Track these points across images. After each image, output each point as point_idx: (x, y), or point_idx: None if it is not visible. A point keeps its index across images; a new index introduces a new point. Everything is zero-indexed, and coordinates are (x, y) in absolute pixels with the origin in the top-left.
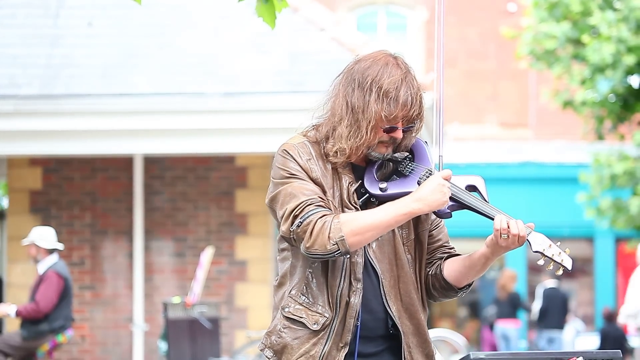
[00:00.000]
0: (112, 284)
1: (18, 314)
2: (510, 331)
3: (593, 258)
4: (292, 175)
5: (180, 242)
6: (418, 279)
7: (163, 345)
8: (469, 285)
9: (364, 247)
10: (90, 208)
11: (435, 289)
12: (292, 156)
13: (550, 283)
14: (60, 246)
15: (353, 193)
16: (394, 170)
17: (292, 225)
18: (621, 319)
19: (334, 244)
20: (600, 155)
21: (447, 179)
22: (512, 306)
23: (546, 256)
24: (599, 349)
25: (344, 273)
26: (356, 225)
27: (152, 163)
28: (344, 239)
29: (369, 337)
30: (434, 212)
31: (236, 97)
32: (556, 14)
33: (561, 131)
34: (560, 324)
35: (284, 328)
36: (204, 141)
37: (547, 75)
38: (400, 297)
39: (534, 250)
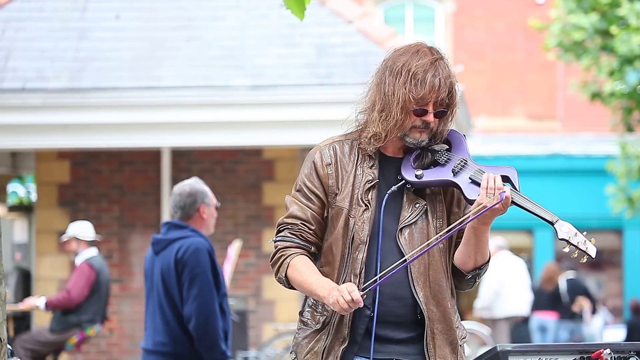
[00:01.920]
0: (140, 277)
1: (48, 304)
2: (549, 322)
3: (622, 250)
4: (299, 190)
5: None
6: (449, 267)
7: None
8: (479, 268)
9: (396, 233)
10: (118, 201)
11: (453, 277)
12: (313, 162)
13: (569, 274)
14: (99, 237)
15: (367, 190)
16: (432, 160)
17: (274, 235)
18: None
19: (278, 278)
20: (629, 146)
21: (352, 298)
22: (554, 298)
23: (571, 244)
24: (626, 341)
25: (346, 270)
26: (292, 275)
27: (180, 156)
28: (283, 280)
29: (399, 322)
30: (467, 201)
31: (263, 89)
32: (584, 5)
33: (589, 123)
34: (582, 316)
35: (298, 330)
36: (231, 134)
37: (575, 67)
38: (430, 284)
39: (560, 237)
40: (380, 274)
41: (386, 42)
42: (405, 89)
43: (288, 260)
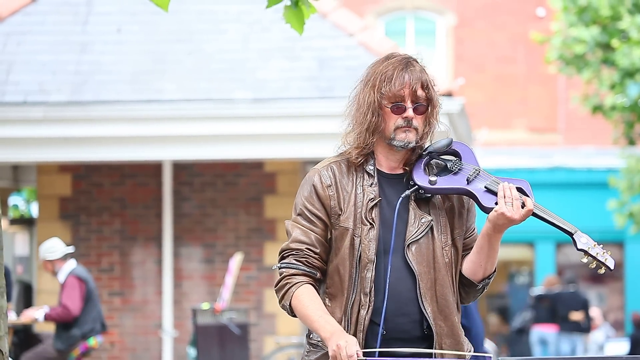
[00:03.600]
0: (141, 290)
1: (47, 317)
2: (549, 335)
3: (623, 263)
4: (300, 215)
5: (209, 248)
6: (454, 282)
7: (192, 352)
8: (488, 278)
9: (404, 249)
10: (119, 214)
11: (461, 288)
12: (313, 185)
13: (570, 287)
14: (71, 249)
15: (371, 209)
16: (442, 167)
17: (277, 262)
18: None
19: (282, 305)
20: (631, 161)
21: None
22: (552, 310)
23: (590, 255)
24: (629, 355)
25: (355, 289)
26: (297, 306)
27: (181, 169)
28: (287, 309)
29: (405, 339)
30: (483, 209)
31: (265, 103)
32: (585, 18)
33: (590, 136)
34: (583, 328)
35: (307, 352)
36: (233, 147)
37: (577, 80)
38: (437, 299)
39: (579, 248)
40: (390, 350)
41: None
42: (375, 89)
43: (293, 289)
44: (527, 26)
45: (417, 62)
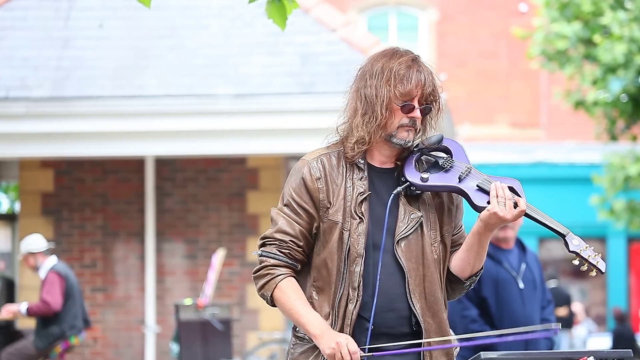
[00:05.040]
0: (123, 286)
1: (29, 310)
2: None
3: (605, 258)
4: (287, 205)
5: (192, 244)
6: (443, 279)
7: (175, 347)
8: (475, 275)
9: (393, 245)
10: (101, 210)
11: (447, 284)
12: (302, 177)
13: (551, 283)
14: (52, 244)
15: (360, 203)
16: (434, 164)
17: (257, 248)
18: None
19: (261, 295)
20: (614, 157)
21: (351, 355)
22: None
23: (582, 257)
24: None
25: (343, 284)
26: (281, 298)
27: (163, 165)
28: (267, 298)
29: (393, 334)
30: (474, 207)
31: (247, 98)
32: (567, 14)
33: (573, 131)
34: (566, 324)
35: (293, 345)
36: (215, 143)
37: (559, 76)
38: (425, 296)
39: (571, 250)
40: (389, 345)
41: (370, 51)
42: (390, 86)
43: (277, 280)
44: (509, 22)
45: (422, 60)
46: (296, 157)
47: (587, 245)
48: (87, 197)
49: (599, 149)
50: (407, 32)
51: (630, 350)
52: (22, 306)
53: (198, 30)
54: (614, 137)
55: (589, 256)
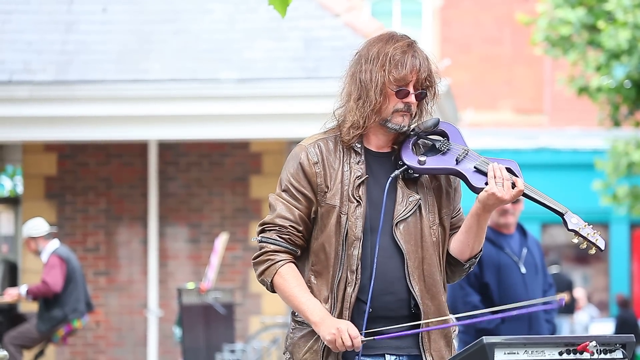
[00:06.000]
0: (126, 269)
1: (29, 292)
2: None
3: (608, 244)
4: (285, 190)
5: (195, 228)
6: (442, 261)
7: (177, 331)
8: (474, 257)
9: (391, 228)
10: (105, 194)
11: (447, 267)
12: (300, 162)
13: (553, 269)
14: (54, 228)
15: (358, 187)
16: (431, 147)
17: (257, 235)
18: None
19: (261, 280)
20: (618, 143)
21: (352, 344)
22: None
23: (581, 235)
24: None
25: (342, 267)
26: (281, 285)
27: (167, 149)
28: (267, 284)
29: (392, 317)
30: (472, 189)
31: (251, 83)
32: (571, 0)
33: (576, 117)
34: (567, 309)
35: (293, 329)
36: (219, 127)
37: (563, 62)
38: (424, 278)
39: (570, 228)
40: (389, 328)
41: (373, 36)
42: (384, 71)
43: (277, 266)
44: (513, 7)
45: (419, 45)
46: (299, 142)
47: (586, 224)
48: (91, 181)
49: (602, 135)
50: (411, 17)
51: (633, 335)
52: (22, 288)
53: (202, 15)
54: (617, 123)
55: (588, 234)
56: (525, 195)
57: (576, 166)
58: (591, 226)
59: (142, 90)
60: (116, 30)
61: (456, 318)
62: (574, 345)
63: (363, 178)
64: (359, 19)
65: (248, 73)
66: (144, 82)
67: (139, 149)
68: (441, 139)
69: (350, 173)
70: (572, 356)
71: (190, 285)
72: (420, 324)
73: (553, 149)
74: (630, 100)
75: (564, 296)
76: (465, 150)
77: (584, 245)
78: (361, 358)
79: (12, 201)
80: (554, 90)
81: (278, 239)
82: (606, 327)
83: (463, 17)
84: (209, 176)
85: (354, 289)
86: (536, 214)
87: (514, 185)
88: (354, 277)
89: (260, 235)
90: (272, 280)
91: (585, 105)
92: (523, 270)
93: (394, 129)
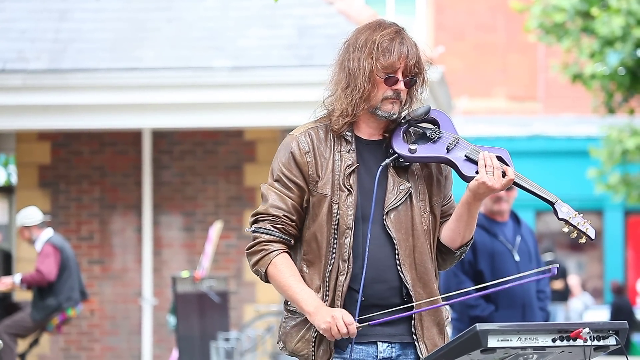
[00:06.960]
0: (121, 258)
1: (23, 281)
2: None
3: (602, 231)
4: (277, 180)
5: (189, 216)
6: (433, 249)
7: (172, 320)
8: (465, 245)
9: (382, 217)
10: (99, 182)
11: (438, 255)
12: (291, 152)
13: (547, 256)
14: (48, 217)
15: (349, 175)
16: (421, 135)
17: (250, 225)
18: None
19: (255, 271)
20: (612, 131)
21: (348, 330)
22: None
23: (571, 224)
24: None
25: (333, 256)
26: (275, 275)
27: (161, 137)
28: (261, 274)
29: (384, 305)
30: (463, 177)
31: (244, 71)
32: None
33: (570, 104)
34: (562, 297)
35: (285, 319)
36: (213, 115)
37: (556, 49)
38: (415, 266)
39: (560, 217)
40: (382, 312)
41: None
42: (372, 59)
43: (271, 256)
44: None
45: (407, 32)
46: (291, 131)
47: (577, 213)
48: (84, 170)
49: (596, 122)
50: (404, 4)
51: (626, 321)
52: (16, 277)
53: (195, 3)
54: (611, 110)
55: (578, 223)
56: (515, 184)
57: (570, 153)
58: (581, 215)
59: (136, 79)
60: (110, 19)
61: (447, 297)
62: (567, 332)
63: (354, 167)
64: (353, 6)
65: (242, 61)
66: (138, 70)
67: (133, 137)
68: (432, 127)
69: (341, 162)
70: (565, 343)
71: (185, 274)
72: (413, 305)
73: (547, 137)
74: (624, 87)
75: (557, 265)
76: (456, 138)
77: (575, 235)
78: (354, 346)
79: (6, 190)
80: (548, 77)
81: (272, 228)
82: (601, 314)
83: (457, 5)
84: (203, 164)
85: (345, 277)
86: (530, 202)
87: (504, 174)
88: (346, 266)
89: (253, 225)
90: (266, 270)
91: (579, 93)
92: (517, 258)
93: (384, 116)
